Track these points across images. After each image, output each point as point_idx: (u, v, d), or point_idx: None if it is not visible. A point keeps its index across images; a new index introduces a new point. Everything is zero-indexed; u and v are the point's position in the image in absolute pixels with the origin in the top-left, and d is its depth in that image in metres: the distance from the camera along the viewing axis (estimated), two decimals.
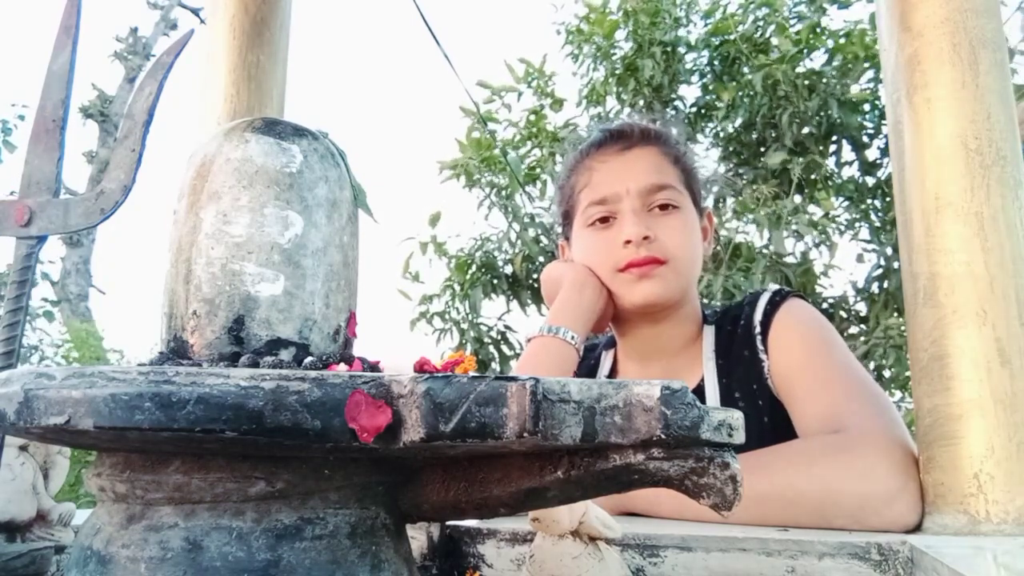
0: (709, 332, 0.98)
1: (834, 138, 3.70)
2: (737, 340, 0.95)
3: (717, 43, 3.89)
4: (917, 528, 0.68)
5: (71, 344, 6.68)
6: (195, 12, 8.87)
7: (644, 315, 0.97)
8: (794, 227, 3.40)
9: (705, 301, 3.12)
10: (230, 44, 1.05)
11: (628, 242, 0.91)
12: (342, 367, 0.37)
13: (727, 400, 0.92)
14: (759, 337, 0.92)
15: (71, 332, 7.01)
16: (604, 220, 0.95)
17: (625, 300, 0.94)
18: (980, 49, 0.68)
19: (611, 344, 1.10)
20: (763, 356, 0.91)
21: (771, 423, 0.89)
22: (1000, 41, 0.70)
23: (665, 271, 0.92)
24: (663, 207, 0.93)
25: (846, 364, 0.85)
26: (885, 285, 3.48)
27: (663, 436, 0.30)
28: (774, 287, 0.98)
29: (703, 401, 0.92)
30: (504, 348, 3.95)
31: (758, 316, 0.93)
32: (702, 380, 0.95)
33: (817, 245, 3.54)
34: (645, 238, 0.90)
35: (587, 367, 1.10)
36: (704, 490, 0.32)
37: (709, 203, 1.06)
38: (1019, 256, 0.65)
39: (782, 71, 3.44)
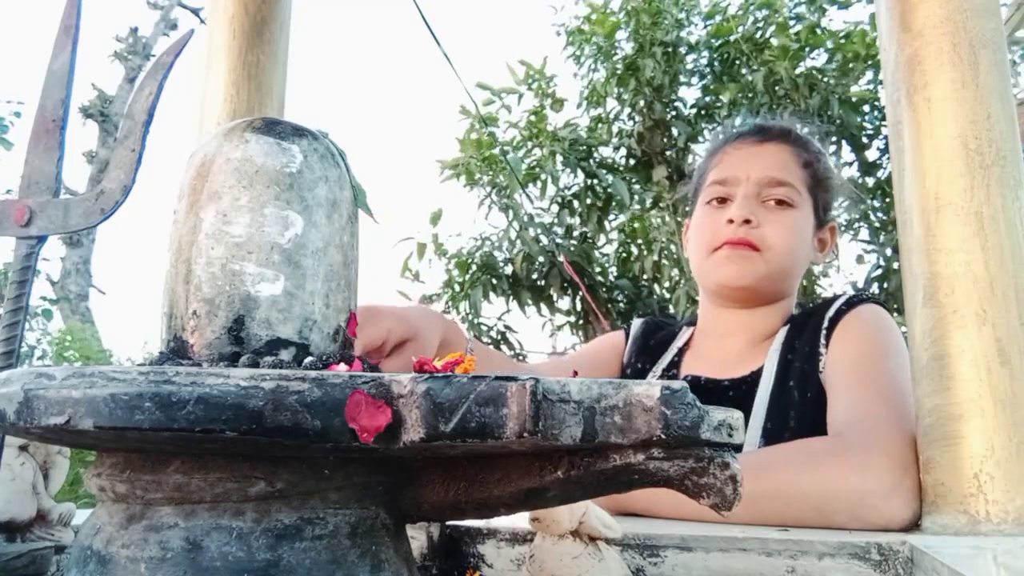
0: (784, 328, 1.01)
1: (834, 138, 3.70)
2: (804, 336, 0.96)
3: (717, 44, 3.89)
4: (917, 528, 0.68)
5: (69, 343, 6.67)
6: (195, 12, 8.87)
7: (731, 296, 1.00)
8: None
9: None
10: (230, 44, 1.05)
11: (730, 221, 0.95)
12: (342, 367, 0.37)
13: (780, 391, 0.93)
14: (824, 332, 0.93)
15: (70, 332, 7.01)
16: (721, 201, 0.99)
17: (709, 278, 0.99)
18: (980, 49, 0.68)
19: (693, 322, 1.12)
20: (822, 351, 0.92)
21: (820, 418, 0.88)
22: (1000, 41, 0.70)
23: (755, 257, 0.95)
24: (778, 202, 0.97)
25: (890, 371, 0.85)
26: (885, 285, 3.48)
27: (663, 436, 0.30)
28: (853, 292, 1.00)
29: (754, 388, 0.94)
30: (504, 348, 3.95)
31: (829, 314, 0.95)
32: (761, 368, 0.97)
33: None
34: (747, 221, 0.95)
35: (662, 337, 1.12)
36: (704, 490, 0.32)
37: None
38: (1019, 256, 0.65)
39: (783, 67, 3.44)
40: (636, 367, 1.10)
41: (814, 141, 1.06)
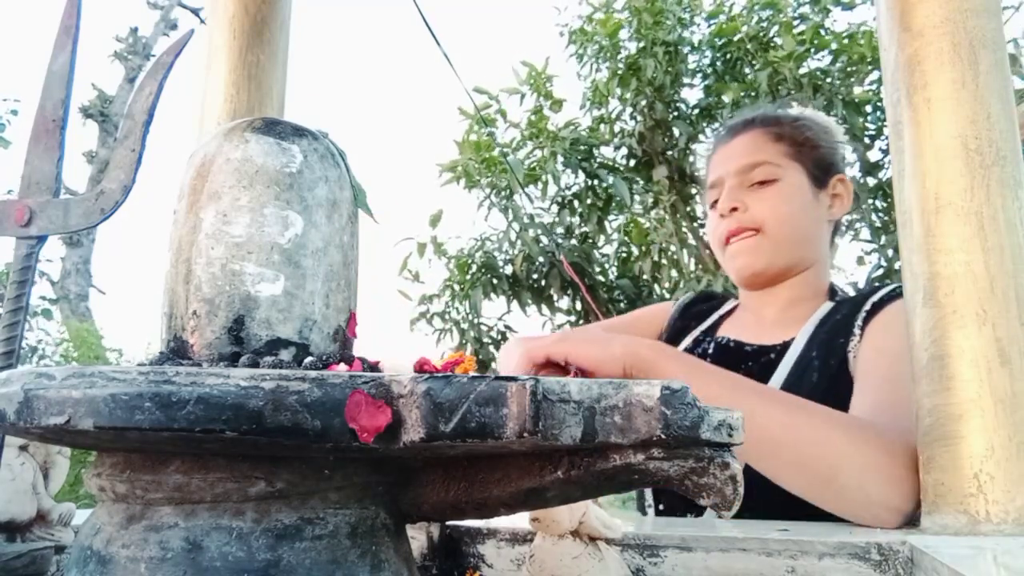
0: (827, 305, 1.02)
1: None
2: (841, 314, 0.97)
3: (720, 44, 3.89)
4: (916, 528, 0.68)
5: (70, 343, 6.68)
6: (195, 12, 8.87)
7: (753, 283, 1.04)
8: None
9: None
10: (230, 44, 1.05)
11: (723, 216, 1.01)
12: (342, 367, 0.37)
13: (802, 363, 0.94)
14: (865, 314, 0.94)
15: (70, 332, 7.01)
16: (716, 203, 1.04)
17: (729, 271, 1.05)
18: (980, 49, 0.68)
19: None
20: (856, 330, 0.93)
21: (838, 390, 0.89)
22: (1000, 41, 0.70)
23: (759, 240, 0.99)
24: (761, 183, 1.00)
25: (898, 376, 0.86)
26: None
27: (663, 436, 0.30)
28: (891, 286, 1.00)
29: (779, 359, 0.97)
30: None
31: (874, 298, 0.96)
32: (792, 340, 0.98)
33: None
34: (734, 209, 1.00)
35: (709, 306, 1.17)
36: (704, 490, 0.32)
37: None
38: (1019, 256, 0.65)
39: (788, 67, 3.44)
40: (676, 327, 1.14)
41: (788, 110, 1.11)
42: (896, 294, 0.95)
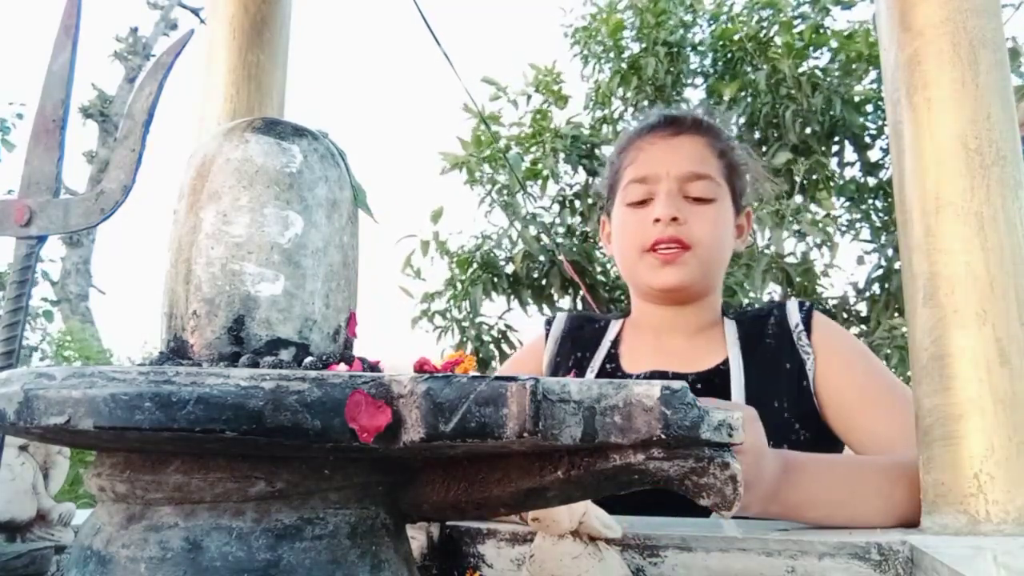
0: (731, 323, 1.00)
1: (836, 138, 3.70)
2: (770, 342, 0.96)
3: (720, 44, 3.90)
4: (916, 527, 0.68)
5: (69, 343, 6.68)
6: (195, 12, 8.87)
7: (666, 298, 0.99)
8: (796, 227, 3.41)
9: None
10: (230, 44, 1.05)
11: (657, 220, 0.93)
12: (342, 367, 0.37)
13: (758, 391, 0.92)
14: (801, 333, 0.94)
15: (70, 332, 7.02)
16: (642, 202, 0.97)
17: (647, 282, 0.97)
18: (980, 49, 0.68)
19: (622, 314, 1.11)
20: (806, 352, 0.92)
21: (796, 421, 0.89)
22: (1000, 41, 0.70)
23: (688, 257, 0.94)
24: (699, 198, 0.95)
25: (894, 382, 0.88)
26: (886, 286, 3.48)
27: (663, 436, 0.30)
28: (794, 300, 0.99)
29: (726, 382, 0.93)
30: (504, 347, 3.95)
31: (794, 319, 0.95)
32: (725, 361, 0.95)
33: (819, 246, 3.54)
34: (674, 219, 0.93)
35: (593, 330, 1.09)
36: (704, 490, 0.32)
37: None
38: (1019, 256, 0.65)
39: (787, 65, 3.45)
40: (575, 357, 1.07)
41: (724, 128, 1.06)
42: (807, 307, 0.97)
